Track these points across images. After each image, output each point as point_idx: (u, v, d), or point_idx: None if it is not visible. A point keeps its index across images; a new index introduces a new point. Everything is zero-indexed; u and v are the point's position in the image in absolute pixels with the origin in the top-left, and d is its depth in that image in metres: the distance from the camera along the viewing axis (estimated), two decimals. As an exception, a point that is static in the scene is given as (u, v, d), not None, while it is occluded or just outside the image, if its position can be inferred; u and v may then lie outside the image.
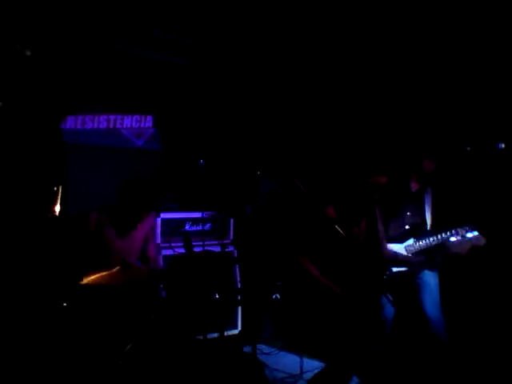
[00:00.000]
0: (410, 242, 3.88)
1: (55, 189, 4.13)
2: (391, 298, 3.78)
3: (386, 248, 3.94)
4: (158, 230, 4.86)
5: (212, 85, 5.68)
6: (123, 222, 3.96)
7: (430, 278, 3.90)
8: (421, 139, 4.15)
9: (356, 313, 3.92)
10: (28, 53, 4.52)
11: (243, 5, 4.79)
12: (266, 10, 4.86)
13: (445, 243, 3.70)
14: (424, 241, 3.81)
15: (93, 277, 3.44)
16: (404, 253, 3.92)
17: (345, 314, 4.00)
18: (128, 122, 5.40)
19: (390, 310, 3.89)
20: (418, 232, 3.88)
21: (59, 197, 4.13)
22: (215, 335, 4.31)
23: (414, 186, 4.00)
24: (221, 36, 5.29)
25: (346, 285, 4.18)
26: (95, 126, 5.21)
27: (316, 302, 4.37)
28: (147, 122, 5.50)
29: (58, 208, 4.22)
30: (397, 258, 3.91)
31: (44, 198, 4.43)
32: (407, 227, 3.93)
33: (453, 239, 3.65)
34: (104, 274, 3.50)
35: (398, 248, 3.96)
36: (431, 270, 3.87)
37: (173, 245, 4.79)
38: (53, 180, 4.56)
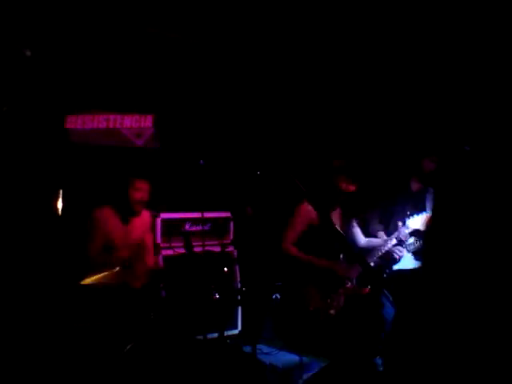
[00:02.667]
0: (411, 240, 3.89)
1: (57, 188, 4.15)
2: (391, 298, 3.78)
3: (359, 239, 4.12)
4: (158, 230, 4.86)
5: (212, 85, 5.68)
6: (125, 214, 4.09)
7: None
8: (421, 139, 4.16)
9: (356, 311, 3.92)
10: (28, 53, 4.52)
11: (244, 4, 4.79)
12: (267, 9, 4.86)
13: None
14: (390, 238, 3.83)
15: (94, 277, 3.45)
16: (405, 251, 3.93)
17: (345, 314, 3.99)
18: (128, 122, 5.40)
19: (389, 309, 3.89)
20: (419, 231, 3.89)
21: (60, 196, 4.15)
22: (215, 335, 4.31)
23: (415, 186, 4.00)
24: (221, 36, 5.29)
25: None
26: (95, 125, 5.20)
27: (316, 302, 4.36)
28: (147, 121, 5.50)
29: (59, 207, 4.24)
30: (370, 244, 4.00)
31: (46, 197, 4.43)
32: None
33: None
34: (105, 274, 3.51)
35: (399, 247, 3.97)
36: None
37: (173, 245, 4.80)
38: (54, 179, 4.56)
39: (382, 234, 4.03)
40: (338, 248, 3.96)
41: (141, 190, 4.07)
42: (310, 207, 3.91)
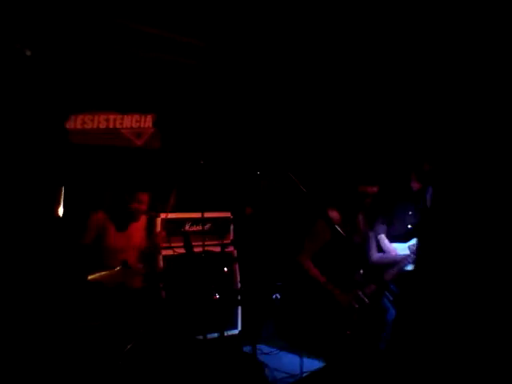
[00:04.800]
0: (414, 241, 3.88)
1: (58, 189, 4.16)
2: (391, 298, 3.77)
3: (372, 253, 3.98)
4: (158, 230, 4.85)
5: (212, 85, 5.68)
6: (122, 219, 4.11)
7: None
8: (421, 139, 4.16)
9: (354, 313, 3.90)
10: (28, 53, 4.52)
11: (244, 4, 4.79)
12: (267, 9, 4.86)
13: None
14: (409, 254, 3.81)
15: (94, 276, 3.45)
16: (408, 252, 3.91)
17: (345, 314, 3.98)
18: (128, 122, 5.40)
19: (391, 311, 3.88)
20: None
21: (62, 197, 4.16)
22: (215, 335, 4.31)
23: (415, 186, 4.00)
24: (221, 36, 5.30)
25: (346, 284, 4.17)
26: (95, 125, 5.20)
27: (316, 301, 4.36)
28: (147, 121, 5.50)
29: (61, 208, 4.24)
30: (382, 260, 3.92)
31: (47, 198, 4.43)
32: (410, 227, 3.93)
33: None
34: (105, 273, 3.51)
35: (401, 247, 3.96)
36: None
37: (173, 245, 4.79)
38: (56, 180, 4.57)
39: (383, 238, 4.01)
40: (353, 263, 3.88)
41: (142, 203, 4.11)
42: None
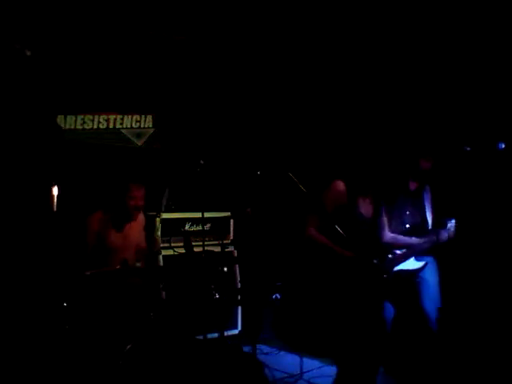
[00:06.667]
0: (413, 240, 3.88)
1: (53, 188, 4.15)
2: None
3: (385, 233, 3.89)
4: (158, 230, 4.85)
5: (212, 85, 5.68)
6: (121, 219, 4.08)
7: (430, 276, 3.90)
8: (418, 138, 4.15)
9: (358, 310, 3.88)
10: (28, 53, 4.53)
11: (244, 4, 4.80)
12: (267, 9, 4.87)
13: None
14: (425, 239, 3.81)
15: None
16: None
17: (346, 313, 3.97)
18: (128, 122, 5.40)
19: (390, 309, 3.88)
20: (419, 231, 3.88)
21: (55, 197, 4.15)
22: (215, 335, 4.31)
23: (413, 185, 3.99)
24: (221, 35, 5.30)
25: (345, 283, 4.16)
26: (95, 126, 5.21)
27: (317, 300, 4.35)
28: (147, 121, 5.50)
29: (55, 207, 4.23)
30: (396, 241, 3.87)
31: (42, 197, 4.43)
32: (408, 226, 3.92)
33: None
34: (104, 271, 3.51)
35: None
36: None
37: (173, 245, 4.79)
38: (52, 180, 4.56)
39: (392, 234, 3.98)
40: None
41: (136, 198, 4.06)
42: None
